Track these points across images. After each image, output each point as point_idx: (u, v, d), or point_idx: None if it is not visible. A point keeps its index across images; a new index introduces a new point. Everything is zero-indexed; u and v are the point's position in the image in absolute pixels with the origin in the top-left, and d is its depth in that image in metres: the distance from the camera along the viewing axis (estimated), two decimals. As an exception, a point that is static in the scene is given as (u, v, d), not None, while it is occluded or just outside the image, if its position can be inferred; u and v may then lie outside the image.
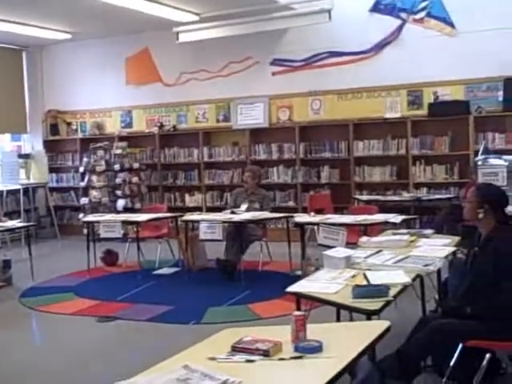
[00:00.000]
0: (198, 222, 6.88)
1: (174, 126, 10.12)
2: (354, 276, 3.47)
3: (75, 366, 4.37)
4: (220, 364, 2.27)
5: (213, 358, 2.32)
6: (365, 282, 3.31)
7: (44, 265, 7.50)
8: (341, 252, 3.84)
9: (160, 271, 7.16)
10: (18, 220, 8.39)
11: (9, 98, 10.68)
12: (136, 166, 9.82)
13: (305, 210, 8.19)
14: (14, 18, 8.65)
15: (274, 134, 9.41)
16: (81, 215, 9.63)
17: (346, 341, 2.52)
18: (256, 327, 3.01)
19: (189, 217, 7.13)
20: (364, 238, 4.59)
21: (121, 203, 9.58)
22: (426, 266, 3.65)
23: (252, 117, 9.54)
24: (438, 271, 4.14)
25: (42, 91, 11.10)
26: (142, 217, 7.47)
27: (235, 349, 2.37)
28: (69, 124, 11.01)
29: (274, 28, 8.66)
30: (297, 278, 3.76)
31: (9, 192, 10.07)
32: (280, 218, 7.27)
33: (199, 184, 9.89)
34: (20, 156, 10.36)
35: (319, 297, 3.19)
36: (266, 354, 2.30)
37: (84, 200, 9.85)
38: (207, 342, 2.58)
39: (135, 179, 9.75)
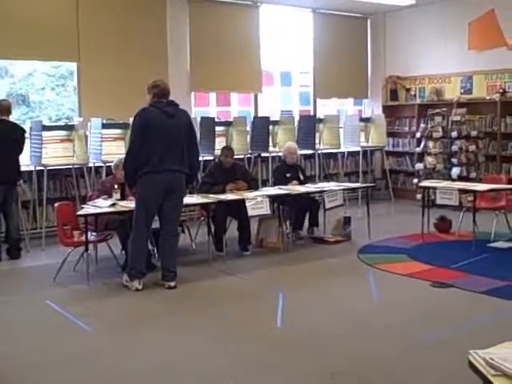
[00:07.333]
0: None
1: (518, 93, 9.56)
2: None
3: (407, 323, 4.60)
4: None
5: None
6: None
7: (378, 225, 7.90)
8: None
9: (495, 244, 6.96)
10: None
11: (353, 65, 11.36)
12: (474, 133, 9.56)
13: None
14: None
15: None
16: (414, 180, 9.86)
17: None
18: None
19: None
20: None
21: (455, 171, 9.49)
22: None
23: None
24: None
25: (384, 57, 11.50)
26: (480, 186, 7.32)
27: None
28: (408, 90, 11.21)
29: None
30: None
31: (349, 153, 10.81)
32: None
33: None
34: (361, 120, 10.96)
35: None
36: None
37: (418, 165, 10.02)
38: None
39: (472, 147, 9.52)
